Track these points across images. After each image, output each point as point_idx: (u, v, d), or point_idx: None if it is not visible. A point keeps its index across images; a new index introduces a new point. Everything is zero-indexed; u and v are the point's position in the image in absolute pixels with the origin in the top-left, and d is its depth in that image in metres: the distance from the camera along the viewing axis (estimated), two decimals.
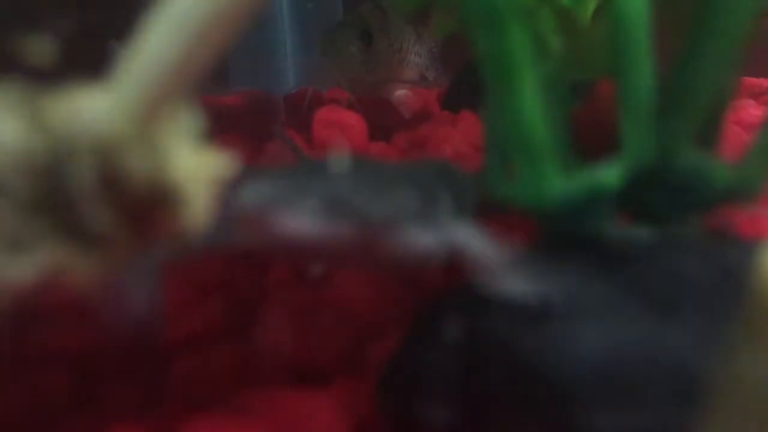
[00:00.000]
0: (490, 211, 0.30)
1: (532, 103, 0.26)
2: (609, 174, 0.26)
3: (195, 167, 0.18)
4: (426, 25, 0.57)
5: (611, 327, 0.24)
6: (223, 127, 0.54)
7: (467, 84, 0.60)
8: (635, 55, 0.26)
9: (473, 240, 0.26)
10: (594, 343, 0.23)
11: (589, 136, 0.27)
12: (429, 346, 0.27)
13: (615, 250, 0.27)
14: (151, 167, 0.17)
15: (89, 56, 0.21)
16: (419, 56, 0.64)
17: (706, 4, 0.26)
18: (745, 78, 0.60)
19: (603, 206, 0.27)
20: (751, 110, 0.48)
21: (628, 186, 0.27)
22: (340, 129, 0.53)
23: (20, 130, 0.16)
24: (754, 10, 0.26)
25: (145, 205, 0.17)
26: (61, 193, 0.16)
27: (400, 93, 0.61)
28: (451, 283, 0.31)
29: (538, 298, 0.25)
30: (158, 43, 0.17)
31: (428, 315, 0.28)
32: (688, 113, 0.27)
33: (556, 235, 0.28)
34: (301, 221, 0.23)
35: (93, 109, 0.17)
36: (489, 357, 0.25)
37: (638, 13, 0.25)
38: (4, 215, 0.16)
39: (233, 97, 0.70)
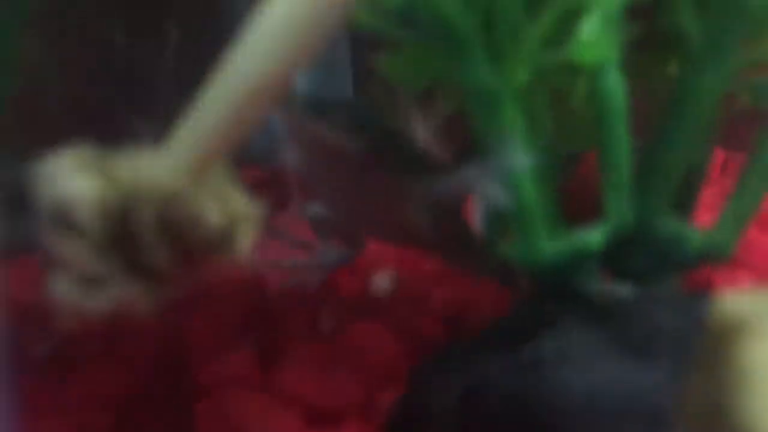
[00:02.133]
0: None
1: (524, 174, 0.29)
2: (593, 237, 0.30)
3: (237, 212, 0.21)
4: (431, 102, 0.61)
5: (595, 371, 0.27)
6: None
7: (469, 155, 0.64)
8: (614, 132, 0.29)
9: None
10: (580, 385, 0.27)
11: (576, 203, 0.31)
12: (431, 390, 0.30)
13: (600, 304, 0.30)
14: (202, 213, 0.21)
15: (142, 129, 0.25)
16: (426, 130, 0.68)
17: (677, 90, 0.30)
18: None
19: (588, 265, 0.31)
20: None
21: (610, 248, 0.30)
22: None
23: (96, 184, 0.20)
24: (718, 94, 0.30)
25: (197, 245, 0.21)
26: (129, 236, 0.20)
27: None
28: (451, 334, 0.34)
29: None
30: (208, 113, 0.21)
31: (431, 363, 0.31)
32: (664, 184, 0.31)
33: (547, 290, 0.31)
34: None
35: (153, 166, 0.20)
36: (487, 398, 0.28)
37: (616, 96, 0.29)
38: (84, 254, 0.20)
39: (252, 170, 0.74)
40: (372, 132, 0.32)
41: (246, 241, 0.22)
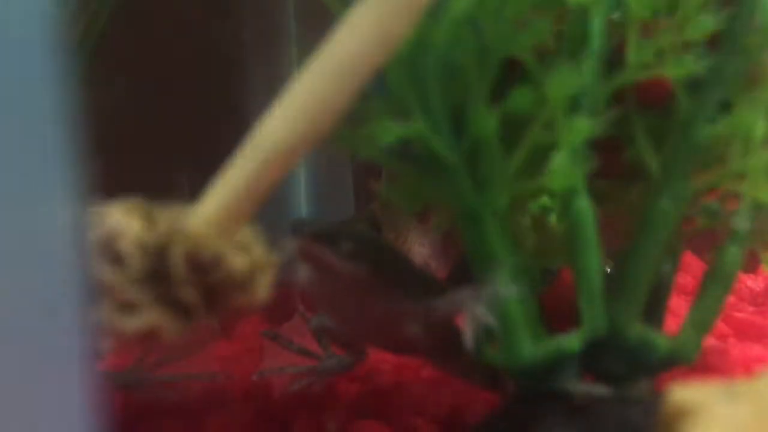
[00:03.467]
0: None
1: (507, 286, 0.33)
2: (570, 341, 0.33)
3: (258, 261, 0.25)
4: (427, 221, 0.65)
5: None
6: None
7: (464, 270, 0.68)
8: (586, 249, 0.33)
9: None
10: None
11: (554, 312, 0.35)
12: None
13: (578, 404, 0.34)
14: (226, 257, 0.25)
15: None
16: (423, 247, 0.73)
17: (640, 212, 0.34)
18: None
19: (567, 368, 0.34)
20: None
21: (587, 352, 0.34)
22: None
23: (139, 225, 0.24)
24: (676, 215, 0.34)
25: (221, 286, 0.25)
26: (163, 273, 0.24)
27: None
28: None
29: None
30: (238, 172, 0.25)
31: None
32: (633, 295, 0.35)
33: (531, 392, 0.34)
34: None
35: (189, 214, 0.25)
36: None
37: (586, 218, 0.33)
38: (124, 284, 0.24)
39: None
40: (373, 255, 0.36)
41: (265, 287, 0.26)
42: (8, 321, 0.20)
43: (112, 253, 0.24)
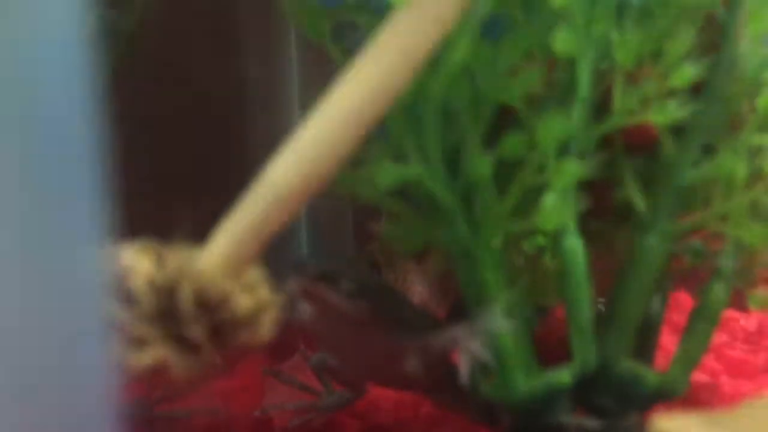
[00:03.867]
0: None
1: (501, 322, 0.34)
2: (562, 376, 0.35)
3: (263, 301, 0.27)
4: (426, 262, 0.67)
5: None
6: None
7: (462, 309, 0.69)
8: (577, 286, 0.35)
9: None
10: None
11: (547, 347, 0.36)
12: None
13: None
14: (232, 297, 0.26)
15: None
16: (421, 286, 0.74)
17: (629, 251, 0.36)
18: None
19: (559, 402, 0.35)
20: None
21: (579, 387, 0.35)
22: None
23: (150, 264, 0.25)
24: (662, 254, 0.35)
25: (227, 325, 0.26)
26: (172, 311, 0.25)
27: None
28: None
29: None
30: (244, 215, 0.26)
31: None
32: (622, 331, 0.36)
33: (525, 425, 0.36)
34: None
35: (197, 255, 0.26)
36: None
37: (577, 256, 0.34)
38: (135, 321, 0.25)
39: None
40: (372, 294, 0.37)
41: (269, 326, 0.27)
42: (34, 358, 0.21)
43: (124, 291, 0.26)
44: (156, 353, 0.25)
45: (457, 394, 0.39)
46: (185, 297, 0.26)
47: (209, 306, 0.26)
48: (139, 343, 0.25)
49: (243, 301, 0.26)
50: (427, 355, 0.37)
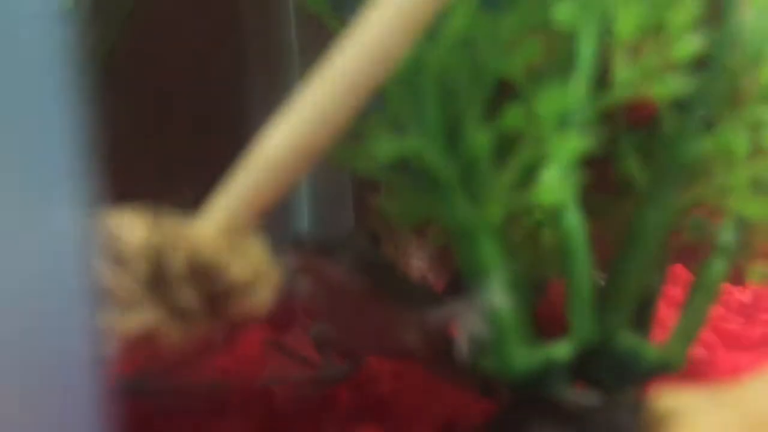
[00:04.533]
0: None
1: (500, 297, 0.34)
2: (561, 349, 0.35)
3: (260, 269, 0.27)
4: (425, 235, 0.67)
5: None
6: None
7: (460, 283, 0.69)
8: (576, 260, 0.35)
9: None
10: None
11: (546, 321, 0.36)
12: None
13: (569, 410, 0.35)
14: (227, 264, 0.26)
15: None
16: (420, 260, 0.74)
17: (629, 225, 0.36)
18: None
19: (558, 375, 0.35)
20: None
21: (577, 360, 0.35)
22: None
23: (145, 231, 0.25)
24: (663, 228, 0.35)
25: (221, 292, 0.26)
26: (164, 276, 0.25)
27: None
28: None
29: None
30: (241, 182, 0.26)
31: None
32: (622, 305, 0.36)
33: (521, 398, 0.36)
34: None
35: (192, 222, 0.26)
36: None
37: (577, 231, 0.34)
38: (127, 285, 0.25)
39: None
40: (370, 267, 0.37)
41: (266, 296, 0.27)
42: (16, 323, 0.21)
43: (116, 255, 0.25)
44: (145, 318, 0.25)
45: (455, 366, 0.39)
46: (178, 262, 0.26)
47: (203, 273, 0.26)
48: (131, 307, 0.25)
49: (238, 269, 0.26)
50: (425, 328, 0.37)
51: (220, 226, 0.26)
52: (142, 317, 0.25)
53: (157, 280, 0.26)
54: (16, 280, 0.20)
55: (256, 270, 0.27)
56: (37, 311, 0.21)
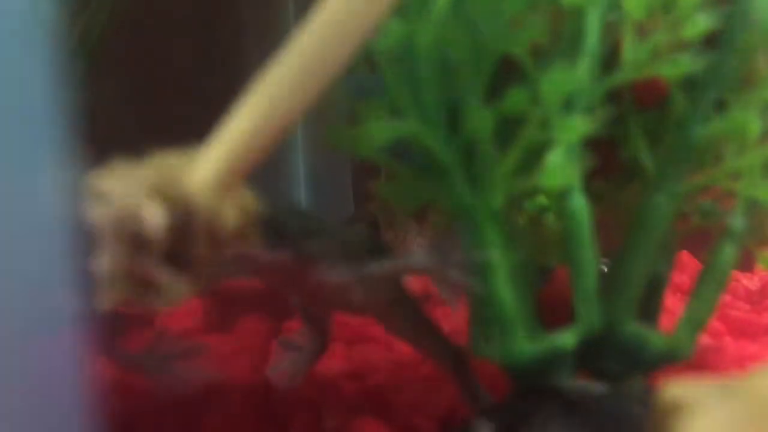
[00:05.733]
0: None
1: (504, 284, 0.33)
2: (566, 338, 0.34)
3: (247, 210, 0.26)
4: (425, 221, 0.65)
5: None
6: (242, 309, 0.60)
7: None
8: (581, 247, 0.34)
9: None
10: None
11: (550, 309, 0.35)
12: None
13: (574, 400, 0.34)
14: (227, 217, 0.25)
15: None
16: (420, 246, 0.73)
17: (636, 210, 0.35)
18: None
19: (563, 364, 0.34)
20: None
21: (582, 349, 0.34)
22: None
23: (163, 211, 0.24)
24: (670, 213, 0.34)
25: (219, 240, 0.25)
26: (178, 242, 0.24)
27: None
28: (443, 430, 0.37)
29: None
30: (236, 131, 0.25)
31: None
32: (628, 293, 0.35)
33: (526, 388, 0.35)
34: None
35: (197, 182, 0.25)
36: None
37: (581, 216, 0.33)
38: (148, 264, 0.24)
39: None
40: (324, 234, 0.36)
41: (253, 233, 0.26)
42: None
43: (136, 238, 0.24)
44: (170, 294, 0.25)
45: (413, 323, 0.38)
46: (191, 228, 0.25)
47: (207, 229, 0.25)
48: (151, 286, 0.25)
49: (233, 219, 0.26)
50: (375, 283, 0.36)
51: (218, 174, 0.25)
52: (165, 294, 0.24)
53: (174, 247, 0.25)
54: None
55: (244, 211, 0.26)
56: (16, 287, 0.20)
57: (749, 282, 0.58)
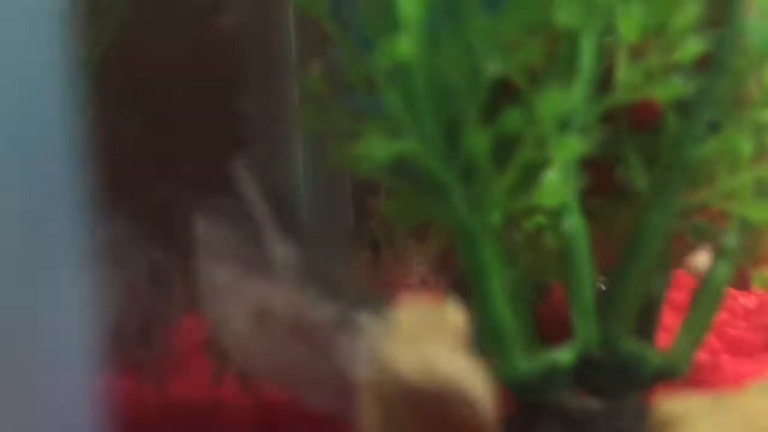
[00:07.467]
0: None
1: (502, 301, 0.34)
2: (564, 355, 0.34)
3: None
4: (424, 238, 0.66)
5: None
6: None
7: (462, 286, 0.68)
8: (578, 265, 0.34)
9: None
10: None
11: (547, 326, 0.35)
12: None
13: (572, 416, 0.34)
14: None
15: None
16: (420, 264, 0.73)
17: (631, 228, 0.35)
18: None
19: (561, 381, 0.35)
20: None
21: (580, 366, 0.35)
22: None
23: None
24: (666, 232, 0.35)
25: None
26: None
27: None
28: None
29: None
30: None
31: None
32: (624, 310, 0.35)
33: (524, 404, 0.35)
34: None
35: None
36: None
37: (578, 234, 0.34)
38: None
39: None
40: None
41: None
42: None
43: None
44: None
45: None
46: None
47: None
48: None
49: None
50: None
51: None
52: None
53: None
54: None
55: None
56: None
57: (747, 300, 0.58)
